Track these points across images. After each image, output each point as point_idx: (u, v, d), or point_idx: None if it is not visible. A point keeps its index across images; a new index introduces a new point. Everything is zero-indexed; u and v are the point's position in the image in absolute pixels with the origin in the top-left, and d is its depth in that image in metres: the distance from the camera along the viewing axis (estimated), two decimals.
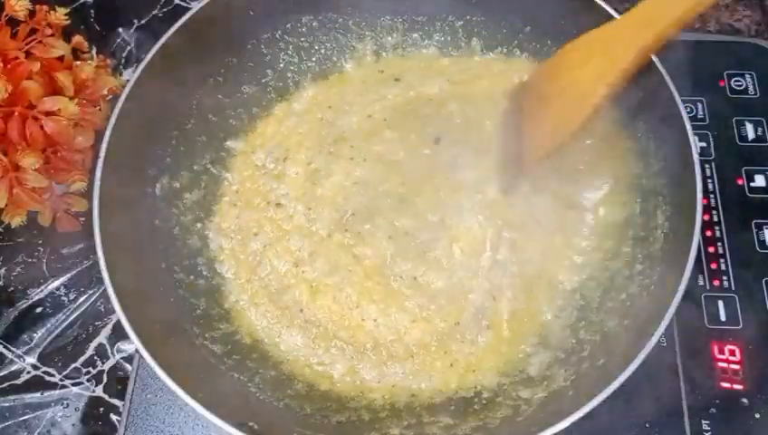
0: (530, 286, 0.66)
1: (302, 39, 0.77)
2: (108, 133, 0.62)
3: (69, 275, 0.75)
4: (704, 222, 0.66)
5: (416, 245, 0.67)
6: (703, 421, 0.64)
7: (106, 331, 0.72)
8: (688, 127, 0.59)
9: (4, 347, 0.72)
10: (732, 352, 0.67)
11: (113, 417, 0.68)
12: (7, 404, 0.69)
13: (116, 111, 0.62)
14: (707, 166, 0.76)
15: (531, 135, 0.64)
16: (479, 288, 0.65)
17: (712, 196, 0.75)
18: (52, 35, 0.72)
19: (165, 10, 0.92)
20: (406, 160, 0.72)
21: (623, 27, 0.57)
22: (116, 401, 0.69)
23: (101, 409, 0.69)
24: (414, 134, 0.73)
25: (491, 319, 0.65)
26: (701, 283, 0.70)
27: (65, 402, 0.69)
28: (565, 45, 0.63)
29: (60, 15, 0.73)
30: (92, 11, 0.92)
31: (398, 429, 0.59)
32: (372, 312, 0.65)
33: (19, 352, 0.72)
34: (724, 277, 0.70)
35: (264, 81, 0.77)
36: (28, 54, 0.70)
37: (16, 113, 0.67)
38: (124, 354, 0.71)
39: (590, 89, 0.57)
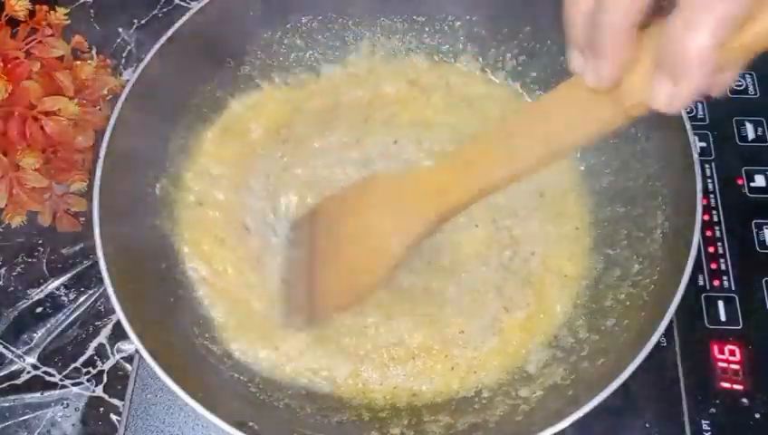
0: (537, 292, 0.66)
1: (303, 39, 0.77)
2: (108, 133, 0.62)
3: (69, 275, 0.76)
4: (704, 222, 0.66)
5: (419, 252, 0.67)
6: (703, 421, 0.64)
7: (106, 331, 0.72)
8: (688, 127, 0.59)
9: (4, 347, 0.72)
10: (732, 353, 0.67)
11: (113, 417, 0.68)
12: (7, 404, 0.69)
13: (116, 111, 0.62)
14: (707, 166, 0.76)
15: (326, 277, 0.56)
16: (487, 298, 0.65)
17: (712, 196, 0.75)
18: (52, 35, 0.72)
19: (165, 10, 0.92)
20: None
21: (421, 185, 0.49)
22: (116, 401, 0.69)
23: (101, 409, 0.69)
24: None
25: (498, 327, 0.65)
26: (701, 283, 0.70)
27: (65, 402, 0.69)
28: (367, 180, 0.57)
29: (60, 15, 0.73)
30: (92, 11, 0.92)
31: (399, 428, 0.59)
32: (376, 317, 0.65)
33: (19, 352, 0.72)
34: (724, 277, 0.70)
35: (264, 80, 0.77)
36: (28, 54, 0.70)
37: (16, 113, 0.67)
38: (124, 354, 0.71)
39: (385, 244, 0.50)
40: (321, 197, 0.67)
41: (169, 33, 0.66)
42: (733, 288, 0.70)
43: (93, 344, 0.72)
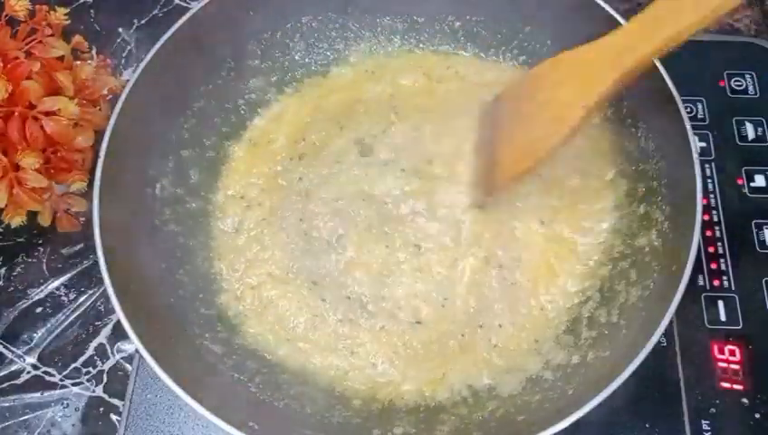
0: (536, 294, 0.66)
1: (303, 39, 0.77)
2: (108, 133, 0.62)
3: (69, 275, 0.76)
4: (704, 222, 0.66)
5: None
6: (703, 421, 0.64)
7: (106, 331, 0.72)
8: (688, 127, 0.59)
9: (4, 347, 0.72)
10: (732, 353, 0.67)
11: (113, 417, 0.68)
12: (7, 404, 0.69)
13: (116, 110, 0.62)
14: (707, 166, 0.76)
15: (504, 152, 0.62)
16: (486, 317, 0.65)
17: (712, 196, 0.75)
18: (52, 35, 0.72)
19: (165, 10, 0.92)
20: None
21: (604, 49, 0.55)
22: (116, 401, 0.69)
23: (101, 409, 0.69)
24: None
25: (498, 339, 0.64)
26: (701, 283, 0.70)
27: (65, 402, 0.69)
28: (544, 62, 0.61)
29: (60, 15, 0.73)
30: (92, 11, 0.92)
31: (401, 428, 0.59)
32: (377, 320, 0.66)
33: (19, 352, 0.72)
34: (724, 277, 0.70)
35: (264, 80, 0.77)
36: (28, 54, 0.70)
37: (16, 113, 0.67)
38: (124, 354, 0.71)
39: (567, 110, 0.56)
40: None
41: (169, 33, 0.66)
42: (733, 288, 0.70)
43: (93, 344, 0.72)
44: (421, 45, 0.79)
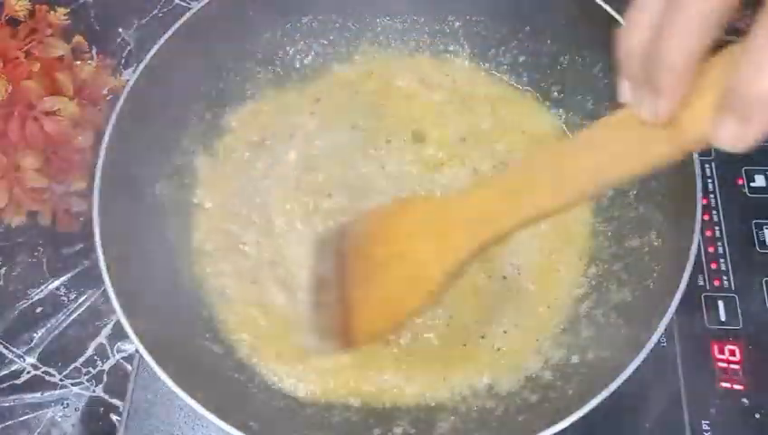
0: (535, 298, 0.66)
1: (302, 39, 0.77)
2: (108, 133, 0.62)
3: (69, 275, 0.75)
4: (704, 222, 0.66)
5: None
6: (703, 421, 0.64)
7: (106, 331, 0.72)
8: None
9: (4, 347, 0.72)
10: (732, 353, 0.67)
11: (113, 417, 0.68)
12: (7, 404, 0.69)
13: (116, 110, 0.62)
14: (707, 166, 0.76)
15: (360, 303, 0.50)
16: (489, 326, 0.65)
17: (712, 196, 0.75)
18: (52, 35, 0.72)
19: (165, 10, 0.92)
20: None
21: (460, 211, 0.46)
22: (116, 401, 0.69)
23: (101, 409, 0.69)
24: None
25: (502, 343, 0.65)
26: (701, 283, 0.70)
27: (65, 402, 0.69)
28: (393, 202, 0.55)
29: (60, 15, 0.73)
30: (92, 11, 0.92)
31: (401, 428, 0.60)
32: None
33: (19, 352, 0.72)
34: (724, 277, 0.70)
35: (264, 81, 0.77)
36: (28, 54, 0.70)
37: (16, 113, 0.67)
38: (124, 354, 0.71)
39: (423, 270, 0.47)
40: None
41: (169, 33, 0.66)
42: (733, 288, 0.70)
43: (93, 344, 0.72)
44: (421, 46, 0.79)
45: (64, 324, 0.73)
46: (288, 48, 0.77)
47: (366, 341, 0.52)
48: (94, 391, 0.70)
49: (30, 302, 0.74)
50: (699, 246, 0.61)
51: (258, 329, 0.66)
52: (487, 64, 0.77)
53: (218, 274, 0.69)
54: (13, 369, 0.71)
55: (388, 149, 0.73)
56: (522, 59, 0.76)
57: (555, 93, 0.74)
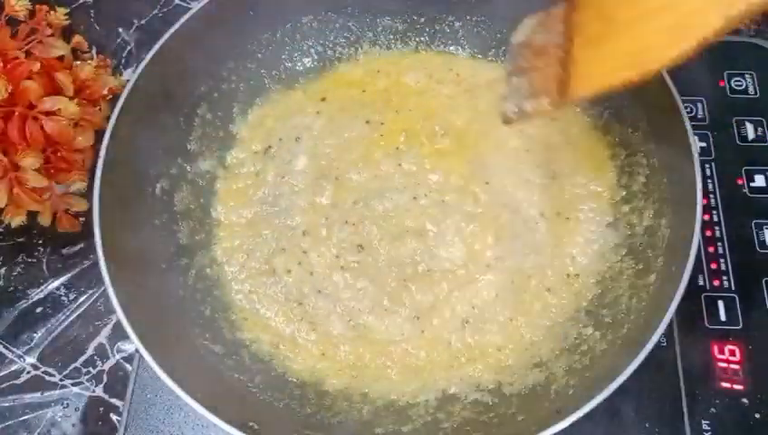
0: (531, 297, 0.66)
1: (302, 39, 0.77)
2: (108, 133, 0.62)
3: (69, 275, 0.75)
4: (704, 222, 0.66)
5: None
6: (703, 421, 0.64)
7: (106, 331, 0.72)
8: (688, 127, 0.59)
9: (5, 347, 0.72)
10: (732, 353, 0.67)
11: (113, 417, 0.68)
12: (7, 404, 0.69)
13: (116, 110, 0.62)
14: (707, 166, 0.76)
15: (587, 56, 0.52)
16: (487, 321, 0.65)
17: (712, 196, 0.74)
18: (52, 35, 0.72)
19: (165, 10, 0.92)
20: None
21: None
22: (116, 401, 0.69)
23: (101, 409, 0.69)
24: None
25: (504, 344, 0.65)
26: (701, 283, 0.70)
27: (65, 402, 0.69)
28: None
29: (60, 15, 0.74)
30: (92, 11, 0.92)
31: (402, 427, 0.59)
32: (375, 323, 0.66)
33: (19, 352, 0.72)
34: (724, 277, 0.70)
35: (264, 80, 0.77)
36: (28, 54, 0.70)
37: (16, 113, 0.67)
38: (124, 354, 0.71)
39: (695, 18, 0.44)
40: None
41: (169, 33, 0.66)
42: (733, 288, 0.70)
43: (93, 344, 0.72)
44: (421, 45, 0.79)
45: (64, 324, 0.73)
46: (289, 48, 0.77)
47: (587, 94, 0.55)
48: (94, 391, 0.70)
49: (30, 302, 0.74)
50: (699, 246, 0.61)
51: (267, 329, 0.66)
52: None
53: (221, 273, 0.69)
54: (13, 369, 0.71)
55: (406, 145, 0.73)
56: None
57: None
